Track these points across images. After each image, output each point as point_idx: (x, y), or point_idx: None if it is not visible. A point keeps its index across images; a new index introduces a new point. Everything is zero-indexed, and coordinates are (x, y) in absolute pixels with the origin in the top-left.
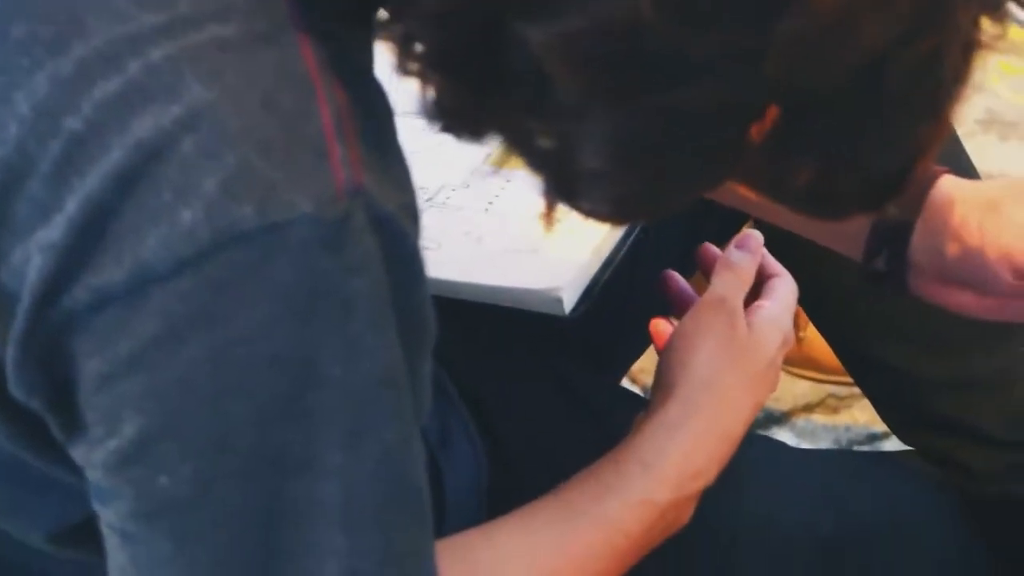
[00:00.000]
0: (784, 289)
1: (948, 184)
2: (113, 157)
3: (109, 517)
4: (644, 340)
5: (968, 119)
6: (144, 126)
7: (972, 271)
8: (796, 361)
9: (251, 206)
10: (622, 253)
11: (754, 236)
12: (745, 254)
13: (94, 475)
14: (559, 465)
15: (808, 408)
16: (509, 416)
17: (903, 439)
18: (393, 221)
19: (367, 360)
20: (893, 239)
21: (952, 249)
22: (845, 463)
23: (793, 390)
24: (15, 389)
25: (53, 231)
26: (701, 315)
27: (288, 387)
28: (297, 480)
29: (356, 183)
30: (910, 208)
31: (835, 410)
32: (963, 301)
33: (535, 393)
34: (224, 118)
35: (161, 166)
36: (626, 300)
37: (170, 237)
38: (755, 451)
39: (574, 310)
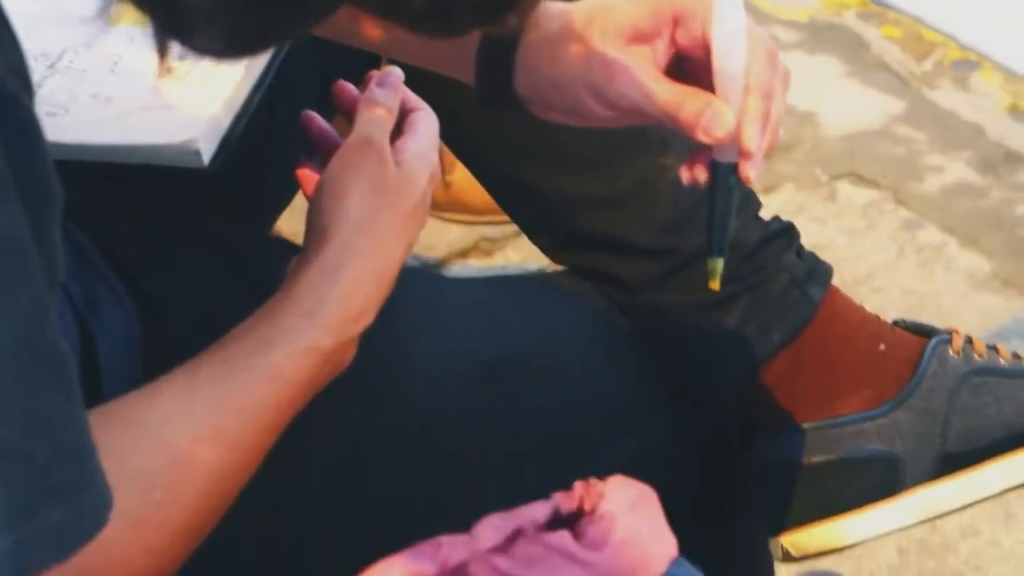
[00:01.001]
0: (427, 123)
1: (547, 11)
2: None
3: None
4: (291, 187)
5: None
6: None
7: (567, 103)
8: (445, 206)
9: None
10: (257, 98)
11: (394, 72)
12: (387, 91)
13: None
14: (214, 319)
15: (463, 253)
16: (159, 275)
17: (556, 260)
18: (2, 86)
19: None
20: (498, 65)
21: (547, 80)
22: (502, 288)
23: (445, 236)
24: None
25: None
26: (349, 157)
27: None
28: None
29: None
30: (515, 33)
31: (489, 253)
32: (577, 121)
33: (184, 250)
34: None
35: None
36: (267, 146)
37: None
38: (414, 285)
39: (213, 161)
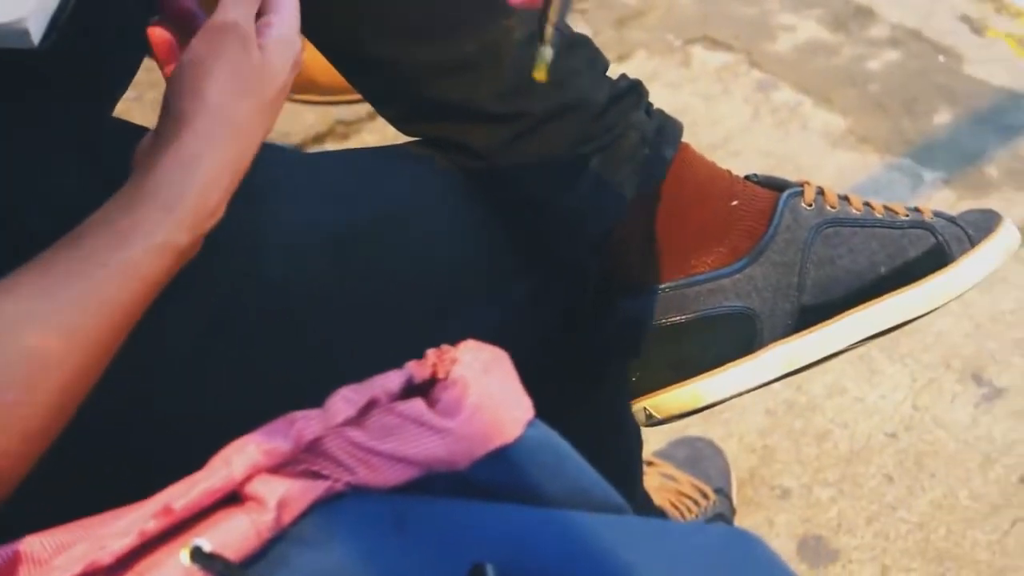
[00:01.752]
0: (290, 5)
1: None
2: None
3: None
4: (132, 64)
5: None
6: None
7: None
8: (297, 87)
9: None
10: None
11: None
12: None
13: None
14: (60, 205)
15: (318, 138)
16: None
17: (405, 131)
18: None
19: None
20: None
21: None
22: (351, 160)
23: (301, 122)
24: None
25: None
26: (212, 39)
27: None
28: None
29: None
30: None
31: (345, 136)
32: None
33: (22, 133)
34: None
35: None
36: (102, 21)
37: None
38: (260, 158)
39: (43, 41)
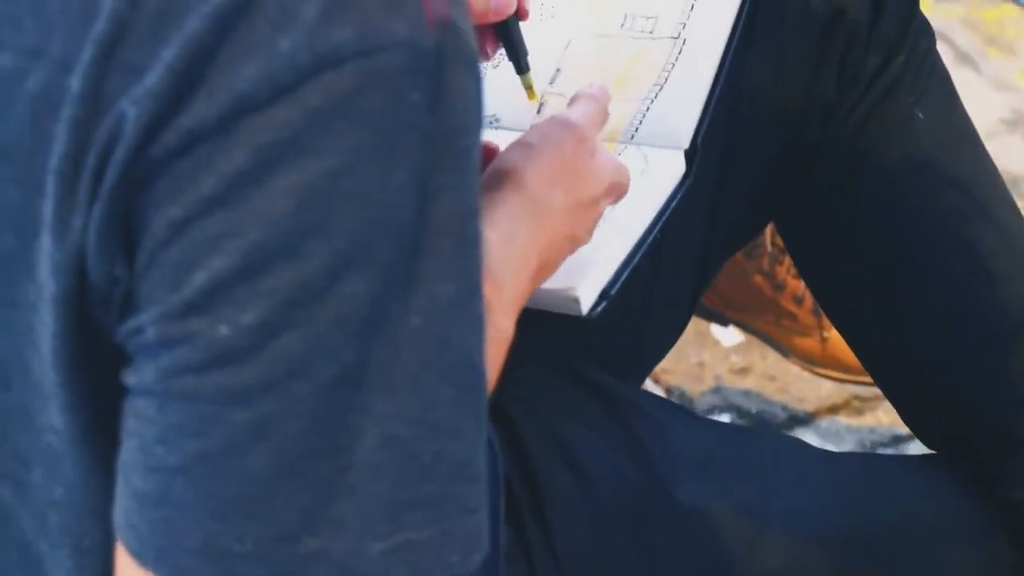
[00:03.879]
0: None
1: None
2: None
3: (147, 378)
4: (667, 343)
5: (993, 119)
6: None
7: None
8: (820, 361)
9: (350, 30)
10: (640, 253)
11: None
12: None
13: (138, 341)
14: (591, 476)
15: (833, 409)
16: (526, 411)
17: (926, 442)
18: (475, 55)
19: (443, 200)
20: None
21: None
22: (864, 464)
23: (817, 391)
24: (97, 264)
25: (149, 78)
26: (551, 130)
27: (364, 231)
28: (350, 337)
29: (444, 15)
30: None
31: (859, 411)
32: None
33: (555, 392)
34: None
35: (257, 1)
36: (648, 301)
37: (269, 66)
38: (772, 446)
39: (591, 310)
